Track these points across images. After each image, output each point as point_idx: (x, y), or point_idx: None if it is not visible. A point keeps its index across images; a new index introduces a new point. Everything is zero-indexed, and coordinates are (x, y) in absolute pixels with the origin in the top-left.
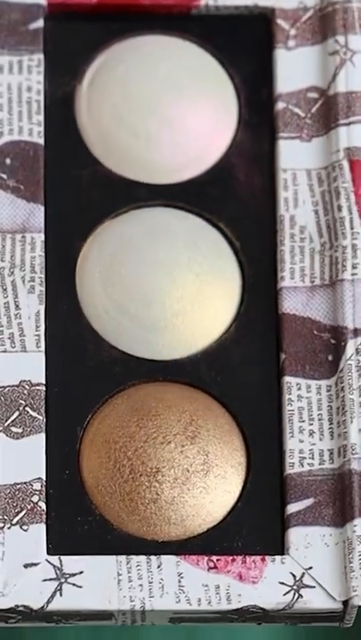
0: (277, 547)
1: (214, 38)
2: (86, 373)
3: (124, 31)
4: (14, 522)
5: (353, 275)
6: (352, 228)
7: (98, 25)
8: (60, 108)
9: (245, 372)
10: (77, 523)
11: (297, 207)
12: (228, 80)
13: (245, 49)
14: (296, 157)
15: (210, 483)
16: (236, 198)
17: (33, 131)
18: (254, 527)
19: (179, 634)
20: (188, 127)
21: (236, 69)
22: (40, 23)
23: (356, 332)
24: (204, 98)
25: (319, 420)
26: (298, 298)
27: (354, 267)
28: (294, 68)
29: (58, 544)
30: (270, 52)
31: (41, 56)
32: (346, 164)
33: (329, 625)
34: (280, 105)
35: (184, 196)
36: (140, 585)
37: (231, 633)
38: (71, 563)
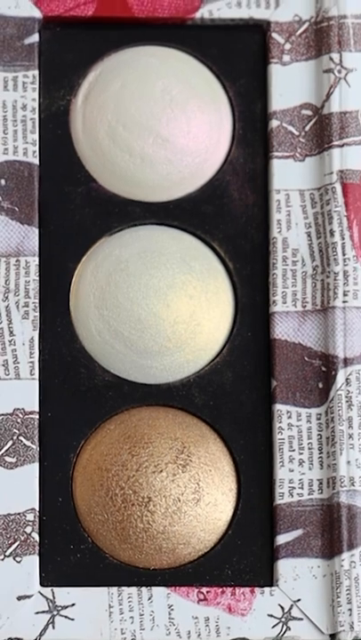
0: (266, 577)
1: (209, 50)
2: (79, 398)
3: (120, 43)
4: (7, 553)
5: (344, 302)
6: (344, 254)
7: (93, 37)
8: (55, 123)
9: (237, 397)
10: (70, 551)
11: (290, 229)
12: (223, 93)
13: (240, 61)
14: (289, 177)
15: (201, 511)
16: (230, 216)
17: (28, 150)
18: (244, 556)
19: None
20: (183, 145)
21: (230, 82)
22: (35, 37)
23: (346, 362)
24: (199, 113)
25: (309, 449)
26: (289, 323)
27: (345, 294)
28: (289, 84)
29: (50, 574)
30: (265, 66)
31: (36, 72)
32: (339, 188)
33: None
34: (274, 123)
35: (178, 214)
36: (132, 617)
37: None
38: (63, 595)
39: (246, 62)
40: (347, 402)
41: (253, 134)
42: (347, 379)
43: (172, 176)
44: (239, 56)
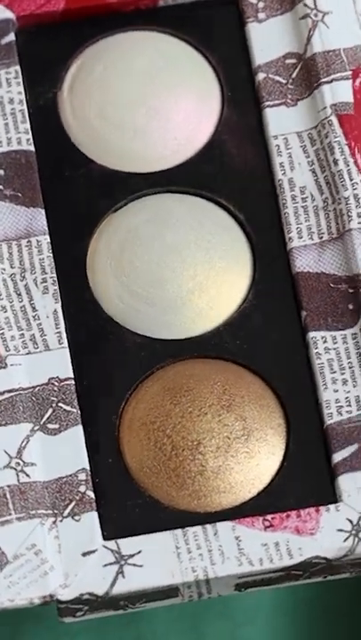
0: (330, 496)
1: (185, 25)
2: (113, 363)
3: (96, 32)
4: (65, 514)
5: (360, 223)
6: (351, 179)
7: (69, 30)
8: (44, 116)
9: (270, 336)
10: (128, 507)
11: (293, 170)
12: (206, 63)
13: (218, 30)
14: (284, 123)
15: (252, 447)
16: (232, 173)
17: (22, 139)
18: (304, 483)
19: (182, 626)
20: (174, 113)
21: (211, 51)
22: (12, 37)
23: None
24: (184, 84)
25: (350, 367)
26: (309, 255)
27: (359, 215)
28: (269, 39)
29: (111, 529)
30: (242, 28)
31: (17, 67)
32: (335, 120)
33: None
34: (260, 75)
35: (181, 179)
36: (200, 554)
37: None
38: (128, 544)
39: (224, 30)
40: None
41: (243, 93)
42: None
43: (168, 143)
44: (216, 25)
